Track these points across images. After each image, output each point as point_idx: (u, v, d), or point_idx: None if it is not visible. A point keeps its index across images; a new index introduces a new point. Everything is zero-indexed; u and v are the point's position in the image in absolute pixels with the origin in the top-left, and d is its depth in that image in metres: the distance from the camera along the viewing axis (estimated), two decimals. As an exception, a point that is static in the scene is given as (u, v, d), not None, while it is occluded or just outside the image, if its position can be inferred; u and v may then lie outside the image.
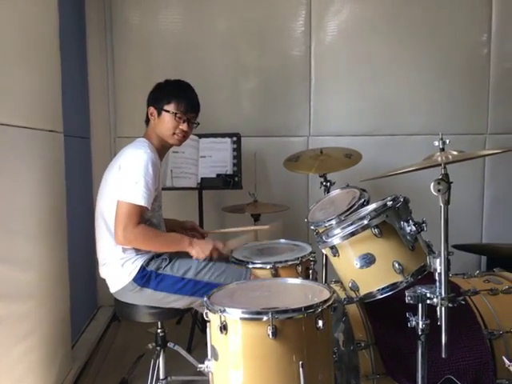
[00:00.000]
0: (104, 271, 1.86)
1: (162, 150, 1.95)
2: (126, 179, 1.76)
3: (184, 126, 1.89)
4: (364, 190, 1.90)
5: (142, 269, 1.79)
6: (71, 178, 2.34)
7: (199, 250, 1.82)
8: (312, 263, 2.00)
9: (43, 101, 1.92)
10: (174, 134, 1.89)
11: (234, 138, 2.72)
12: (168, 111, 1.87)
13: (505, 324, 1.68)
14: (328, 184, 2.47)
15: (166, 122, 1.88)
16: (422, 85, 3.07)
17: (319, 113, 3.09)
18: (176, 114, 1.87)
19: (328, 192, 2.39)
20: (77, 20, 2.83)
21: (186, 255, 1.85)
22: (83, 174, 2.85)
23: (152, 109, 1.91)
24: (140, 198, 1.73)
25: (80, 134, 2.81)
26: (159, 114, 1.89)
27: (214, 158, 2.69)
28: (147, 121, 1.95)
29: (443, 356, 1.33)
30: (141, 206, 1.73)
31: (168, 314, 1.87)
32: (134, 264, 1.79)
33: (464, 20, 3.06)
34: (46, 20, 1.99)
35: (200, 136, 2.67)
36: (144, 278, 1.78)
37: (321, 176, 2.48)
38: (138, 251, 1.80)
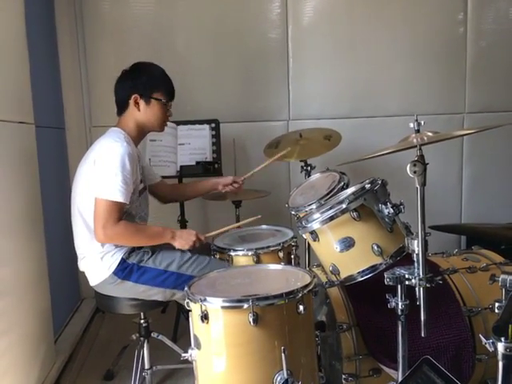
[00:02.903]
0: (83, 264, 1.83)
1: (138, 138, 1.91)
2: (102, 175, 1.70)
3: (170, 113, 1.91)
4: (343, 174, 1.90)
5: (123, 261, 1.77)
6: (47, 169, 2.29)
7: (182, 241, 1.80)
8: (294, 248, 2.01)
9: (11, 92, 1.85)
10: (164, 122, 1.90)
11: (213, 125, 2.68)
12: (159, 100, 1.85)
13: (483, 301, 1.71)
14: (309, 168, 2.47)
15: (156, 110, 1.85)
16: (399, 65, 3.07)
17: (298, 96, 3.07)
18: (166, 102, 1.86)
19: (308, 176, 2.39)
20: (45, 5, 2.73)
21: (169, 247, 1.83)
22: (59, 165, 2.79)
23: (137, 96, 1.84)
24: (118, 194, 1.68)
25: (54, 125, 2.74)
26: (147, 102, 1.84)
27: (193, 145, 2.65)
28: (123, 109, 1.88)
29: (423, 335, 1.35)
30: (120, 203, 1.69)
31: (150, 304, 1.85)
32: (114, 257, 1.76)
33: (440, -1, 3.06)
34: (11, 6, 1.91)
35: (178, 123, 2.63)
36: (125, 270, 1.76)
37: (301, 160, 2.48)
38: (117, 244, 1.77)
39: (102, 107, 2.95)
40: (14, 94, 1.89)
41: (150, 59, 1.94)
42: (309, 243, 1.95)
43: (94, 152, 1.79)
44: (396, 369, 1.46)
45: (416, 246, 1.34)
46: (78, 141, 2.94)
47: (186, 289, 1.43)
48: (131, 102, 1.84)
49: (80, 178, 1.82)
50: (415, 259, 1.36)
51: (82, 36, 2.93)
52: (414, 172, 1.28)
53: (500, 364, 1.06)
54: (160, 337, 2.09)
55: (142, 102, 1.84)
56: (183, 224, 2.62)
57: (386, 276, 1.38)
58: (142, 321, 1.99)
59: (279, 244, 1.93)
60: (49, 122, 2.59)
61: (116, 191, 1.68)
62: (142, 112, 1.84)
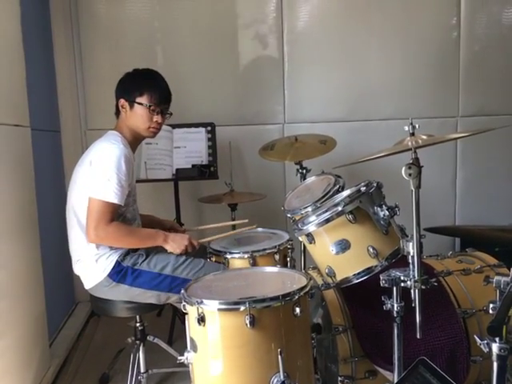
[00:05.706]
0: (78, 268, 1.83)
1: (134, 142, 1.91)
2: (97, 176, 1.71)
3: (158, 118, 1.85)
4: (339, 176, 1.91)
5: (118, 264, 1.76)
6: (42, 172, 2.28)
7: (174, 245, 1.80)
8: (290, 251, 2.02)
9: (6, 94, 1.85)
10: (149, 127, 1.85)
11: (209, 128, 2.69)
12: (141, 104, 1.82)
13: (477, 302, 1.72)
14: (304, 171, 2.47)
15: (140, 115, 1.83)
16: (393, 69, 3.09)
17: (294, 100, 3.08)
18: (150, 106, 1.82)
19: (304, 179, 2.40)
20: (40, 9, 2.73)
21: (163, 250, 1.83)
22: (54, 168, 2.79)
23: (123, 101, 1.85)
24: (112, 195, 1.69)
25: (49, 128, 2.74)
26: (131, 106, 1.83)
27: (189, 148, 2.66)
28: (117, 113, 1.90)
29: (418, 337, 1.36)
30: (113, 204, 1.70)
31: (146, 308, 1.85)
32: (109, 259, 1.76)
33: (434, 4, 3.08)
34: (7, 10, 1.91)
35: (174, 126, 2.63)
36: (120, 273, 1.76)
37: (297, 163, 2.49)
38: (112, 246, 1.77)
39: (97, 110, 2.95)
40: (10, 96, 1.89)
41: (146, 63, 1.95)
42: (304, 246, 1.96)
43: (91, 154, 1.79)
44: (392, 370, 1.47)
45: (411, 248, 1.35)
46: (74, 144, 2.94)
47: (182, 291, 1.43)
48: (120, 106, 1.86)
49: (76, 180, 1.82)
50: (410, 261, 1.37)
51: (77, 39, 2.93)
52: (409, 175, 1.30)
53: (494, 365, 1.07)
54: (156, 340, 2.09)
55: (127, 107, 1.84)
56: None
57: (381, 278, 1.39)
58: (138, 324, 1.99)
59: (275, 247, 1.93)
60: (44, 124, 2.59)
61: (110, 192, 1.69)
62: (128, 116, 1.85)
